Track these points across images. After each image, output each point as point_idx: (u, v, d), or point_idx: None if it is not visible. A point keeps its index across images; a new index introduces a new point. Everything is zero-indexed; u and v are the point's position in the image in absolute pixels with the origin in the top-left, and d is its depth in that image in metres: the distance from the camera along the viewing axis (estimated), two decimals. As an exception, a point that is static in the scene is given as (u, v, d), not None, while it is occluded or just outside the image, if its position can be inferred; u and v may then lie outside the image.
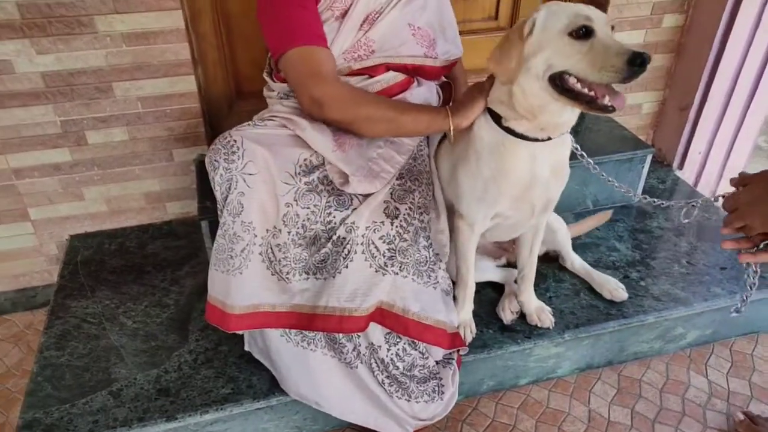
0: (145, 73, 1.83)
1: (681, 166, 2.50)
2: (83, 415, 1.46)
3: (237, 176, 1.35)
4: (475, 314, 1.73)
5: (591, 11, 1.22)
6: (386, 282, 1.44)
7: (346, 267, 1.42)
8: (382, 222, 1.44)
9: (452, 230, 1.57)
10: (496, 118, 1.39)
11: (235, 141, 1.35)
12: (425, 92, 1.62)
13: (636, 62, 1.13)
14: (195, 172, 2.03)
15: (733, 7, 2.12)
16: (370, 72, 1.54)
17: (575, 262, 1.92)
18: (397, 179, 1.52)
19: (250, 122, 1.47)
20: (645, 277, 1.94)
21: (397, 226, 1.45)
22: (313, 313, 1.43)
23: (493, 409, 1.76)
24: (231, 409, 1.50)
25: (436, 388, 1.54)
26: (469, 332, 1.66)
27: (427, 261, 1.50)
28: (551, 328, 1.73)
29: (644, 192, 2.31)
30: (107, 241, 2.04)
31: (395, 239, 1.45)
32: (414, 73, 1.60)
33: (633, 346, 1.88)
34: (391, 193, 1.49)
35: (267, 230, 1.41)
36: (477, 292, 1.73)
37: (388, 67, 1.55)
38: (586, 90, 1.23)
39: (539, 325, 1.73)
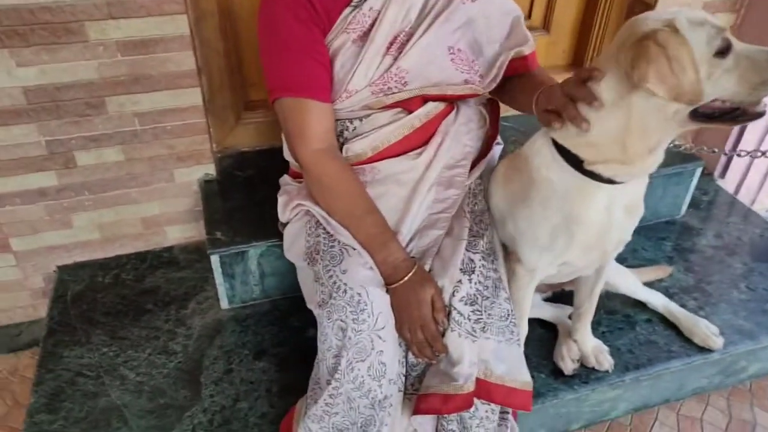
0: (143, 86, 1.59)
1: (723, 174, 2.32)
2: (83, 496, 1.25)
3: (371, 336, 1.19)
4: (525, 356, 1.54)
5: (711, 16, 1.01)
6: (475, 348, 1.24)
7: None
8: (460, 281, 1.24)
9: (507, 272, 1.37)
10: (572, 160, 1.15)
11: (360, 295, 1.19)
12: (463, 125, 1.42)
13: None
14: (199, 193, 1.81)
15: (790, 4, 1.93)
16: (405, 105, 1.34)
17: (655, 301, 1.71)
18: (463, 224, 1.32)
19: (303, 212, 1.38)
20: (703, 305, 1.75)
21: (476, 283, 1.26)
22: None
23: (545, 461, 1.58)
24: (256, 482, 1.30)
25: None
26: (523, 380, 1.46)
27: (508, 315, 1.30)
28: (610, 371, 1.54)
29: (690, 205, 2.13)
30: (100, 273, 1.81)
31: (477, 298, 1.25)
32: (455, 98, 1.40)
33: (693, 383, 1.70)
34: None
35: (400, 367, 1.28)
36: (525, 331, 1.54)
37: (426, 99, 1.35)
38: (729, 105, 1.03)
39: (597, 367, 1.54)
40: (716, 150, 1.54)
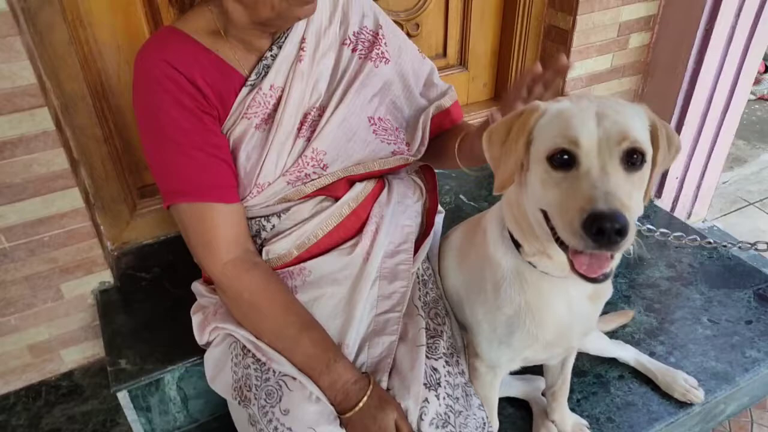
0: (5, 197, 1.29)
1: (659, 194, 2.26)
2: None
3: None
4: (501, 448, 1.36)
5: (586, 127, 0.79)
6: None
7: None
8: (426, 399, 1.04)
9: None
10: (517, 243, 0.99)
11: None
12: (398, 203, 1.25)
13: (592, 229, 0.72)
14: (96, 306, 1.52)
15: (708, 20, 1.87)
16: (329, 192, 1.15)
17: (625, 356, 1.56)
18: (418, 325, 1.13)
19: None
20: (672, 349, 1.64)
21: (444, 397, 1.06)
22: None
23: None
24: None
25: None
26: (504, 483, 1.28)
27: (484, 424, 1.12)
28: (595, 449, 1.39)
29: (635, 235, 2.04)
30: (-18, 423, 1.48)
31: (449, 416, 1.05)
32: (384, 173, 1.22)
33: (675, 438, 1.58)
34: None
35: None
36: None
37: (352, 180, 1.16)
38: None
39: (580, 448, 1.38)
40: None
